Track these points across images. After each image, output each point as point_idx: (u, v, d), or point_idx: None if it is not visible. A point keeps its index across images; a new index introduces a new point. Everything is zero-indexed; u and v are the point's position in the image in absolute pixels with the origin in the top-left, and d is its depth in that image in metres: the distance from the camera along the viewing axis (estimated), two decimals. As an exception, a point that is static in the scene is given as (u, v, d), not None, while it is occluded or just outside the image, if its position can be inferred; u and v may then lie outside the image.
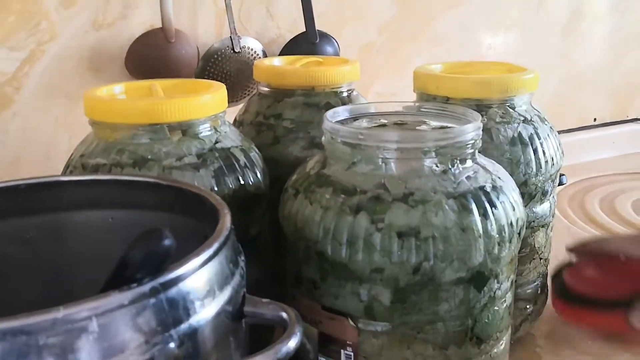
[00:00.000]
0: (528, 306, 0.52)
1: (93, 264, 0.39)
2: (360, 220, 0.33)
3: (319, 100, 0.54)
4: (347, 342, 0.35)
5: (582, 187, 0.98)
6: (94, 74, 0.70)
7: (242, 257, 0.30)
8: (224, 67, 0.73)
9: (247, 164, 0.44)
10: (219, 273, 0.27)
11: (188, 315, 0.25)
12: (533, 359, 0.53)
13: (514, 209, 0.35)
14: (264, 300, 0.29)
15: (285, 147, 0.53)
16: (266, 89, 0.56)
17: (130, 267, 0.23)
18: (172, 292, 0.24)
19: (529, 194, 0.48)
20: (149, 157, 0.40)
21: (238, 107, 0.63)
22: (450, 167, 0.35)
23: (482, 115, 0.47)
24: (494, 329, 0.36)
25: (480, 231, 0.33)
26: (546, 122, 0.50)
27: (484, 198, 0.34)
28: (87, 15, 0.68)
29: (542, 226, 0.51)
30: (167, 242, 0.23)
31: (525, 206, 0.48)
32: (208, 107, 0.43)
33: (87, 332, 0.22)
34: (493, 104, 0.48)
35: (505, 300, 0.37)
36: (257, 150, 0.47)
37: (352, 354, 0.35)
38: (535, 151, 0.47)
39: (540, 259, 0.52)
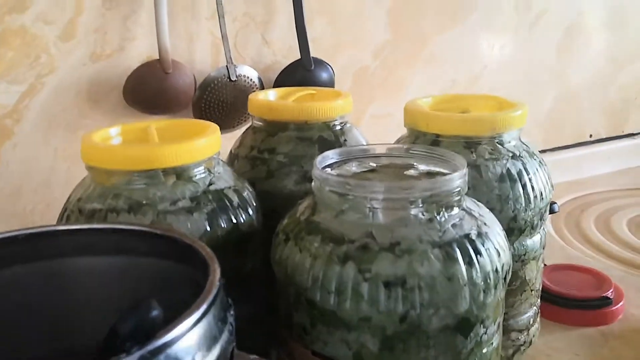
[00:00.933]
0: (520, 337, 0.53)
1: (91, 308, 0.40)
2: (348, 270, 0.34)
3: (312, 134, 0.55)
4: (338, 386, 0.36)
5: (578, 204, 0.98)
6: (93, 105, 0.71)
7: (231, 312, 0.31)
8: (221, 95, 0.75)
9: (240, 204, 0.45)
10: (207, 334, 0.28)
11: (177, 380, 0.26)
12: (526, 389, 0.54)
13: (499, 255, 0.36)
14: (252, 357, 0.30)
15: (279, 180, 0.53)
16: (260, 123, 0.57)
17: (120, 337, 0.24)
18: (160, 358, 0.25)
19: (519, 229, 0.49)
20: (144, 202, 0.41)
21: (235, 133, 0.64)
22: (436, 215, 0.36)
23: (472, 152, 0.48)
24: (481, 371, 0.37)
25: (466, 279, 0.34)
26: (535, 157, 0.51)
27: (469, 246, 0.35)
28: (85, 48, 0.69)
29: (533, 259, 0.51)
30: (155, 312, 0.24)
31: (515, 240, 0.49)
32: (202, 150, 0.44)
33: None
34: (482, 141, 0.49)
35: (492, 343, 0.38)
36: (250, 188, 0.48)
37: (342, 399, 0.36)
38: (524, 187, 0.48)
39: (532, 290, 0.52)
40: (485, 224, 0.37)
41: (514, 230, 0.49)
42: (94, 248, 0.39)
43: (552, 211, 0.59)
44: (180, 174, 0.43)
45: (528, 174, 0.49)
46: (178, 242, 0.36)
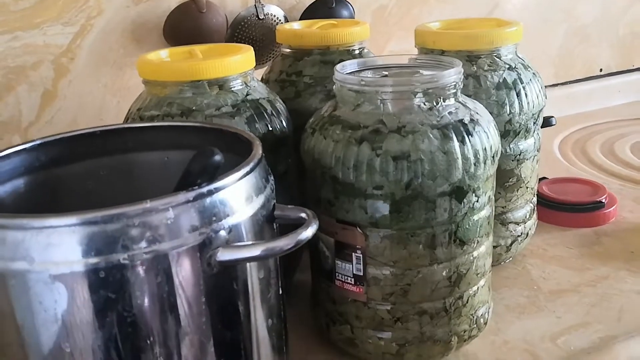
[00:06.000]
0: (517, 228, 0.61)
1: (154, 195, 0.49)
2: (363, 149, 0.42)
3: (334, 58, 0.63)
4: (357, 246, 0.45)
5: (586, 133, 1.05)
6: (136, 44, 0.79)
7: (271, 177, 0.40)
8: (250, 33, 0.82)
9: (274, 113, 0.53)
10: (255, 184, 0.36)
11: (233, 212, 0.34)
12: (522, 274, 0.62)
13: (488, 137, 0.44)
14: (289, 206, 0.38)
15: (306, 99, 0.61)
16: (288, 50, 0.65)
17: (192, 175, 0.33)
18: (223, 194, 0.33)
19: (514, 131, 0.56)
20: (194, 108, 0.50)
21: (264, 70, 0.72)
22: (435, 104, 0.43)
23: (473, 64, 0.55)
24: (474, 234, 0.45)
25: (459, 154, 0.42)
26: (529, 69, 0.58)
27: (462, 128, 0.43)
28: (128, -8, 0.77)
29: (528, 159, 0.59)
30: (217, 157, 0.33)
31: (511, 142, 0.57)
32: (239, 65, 0.52)
33: (165, 218, 0.31)
34: (482, 55, 0.56)
35: (483, 211, 0.46)
36: (281, 101, 0.56)
37: (361, 255, 0.45)
38: (518, 94, 0.56)
39: (527, 187, 0.60)
40: (477, 113, 0.45)
41: (510, 132, 0.56)
42: (156, 144, 0.48)
43: (549, 124, 0.66)
44: (222, 84, 0.51)
45: (522, 83, 0.56)
46: (224, 132, 0.44)
